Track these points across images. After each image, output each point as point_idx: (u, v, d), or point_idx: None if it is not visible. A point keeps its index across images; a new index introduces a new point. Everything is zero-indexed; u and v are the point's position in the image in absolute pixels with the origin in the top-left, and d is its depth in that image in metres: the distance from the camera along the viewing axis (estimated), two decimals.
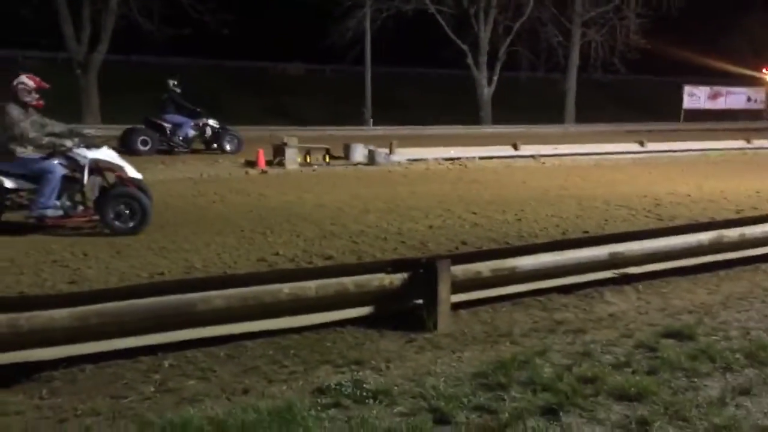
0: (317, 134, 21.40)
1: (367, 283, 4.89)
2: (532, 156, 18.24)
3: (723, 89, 39.44)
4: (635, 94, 40.71)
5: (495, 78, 33.56)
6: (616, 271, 5.88)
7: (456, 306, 5.16)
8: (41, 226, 8.01)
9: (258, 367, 4.30)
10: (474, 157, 17.48)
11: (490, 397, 3.82)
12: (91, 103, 24.91)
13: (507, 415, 3.57)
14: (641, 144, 20.58)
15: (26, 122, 7.82)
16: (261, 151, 15.17)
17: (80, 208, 8.12)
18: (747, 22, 39.34)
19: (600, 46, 35.73)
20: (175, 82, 17.18)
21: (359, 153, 16.60)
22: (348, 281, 4.82)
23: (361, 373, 4.17)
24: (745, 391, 3.89)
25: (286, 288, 4.61)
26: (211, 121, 17.70)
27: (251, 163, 15.25)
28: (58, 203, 7.88)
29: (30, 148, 7.84)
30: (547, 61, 36.58)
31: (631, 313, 5.42)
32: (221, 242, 7.71)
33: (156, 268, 6.45)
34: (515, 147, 18.60)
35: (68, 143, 7.94)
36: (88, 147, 8.07)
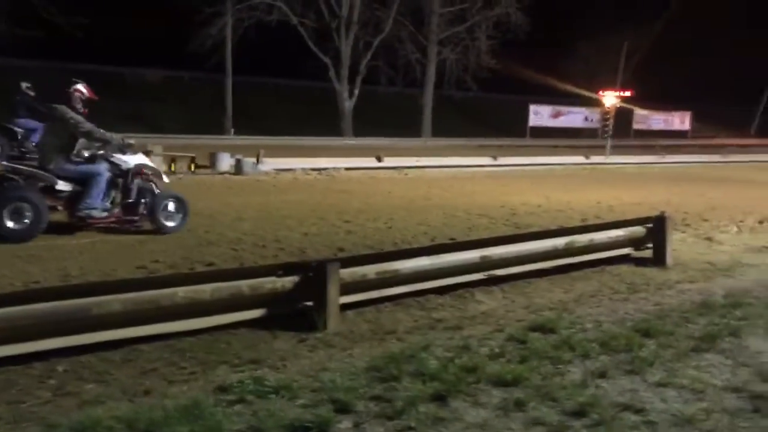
0: (179, 142, 20.95)
1: (261, 286, 5.06)
2: (395, 167, 18.94)
3: (564, 108, 42.70)
4: (486, 111, 43.04)
5: (356, 91, 34.38)
6: (486, 273, 6.41)
7: (344, 307, 5.44)
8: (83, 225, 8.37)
9: (156, 369, 4.35)
10: (340, 168, 17.91)
11: (384, 387, 4.11)
12: None
13: (401, 402, 3.88)
14: (494, 158, 21.89)
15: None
16: None
17: (116, 209, 8.58)
18: (584, 49, 42.89)
19: (454, 64, 37.63)
20: (29, 86, 16.19)
21: (225, 162, 16.52)
22: (242, 284, 4.98)
23: (259, 371, 4.32)
24: (602, 375, 4.42)
25: (181, 291, 4.70)
26: None
27: None
28: (105, 204, 8.36)
29: (81, 150, 8.38)
30: (405, 76, 37.95)
31: (501, 311, 5.93)
32: (94, 249, 7.54)
33: (30, 277, 6.23)
34: (379, 159, 19.25)
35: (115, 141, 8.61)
36: (124, 153, 8.64)
